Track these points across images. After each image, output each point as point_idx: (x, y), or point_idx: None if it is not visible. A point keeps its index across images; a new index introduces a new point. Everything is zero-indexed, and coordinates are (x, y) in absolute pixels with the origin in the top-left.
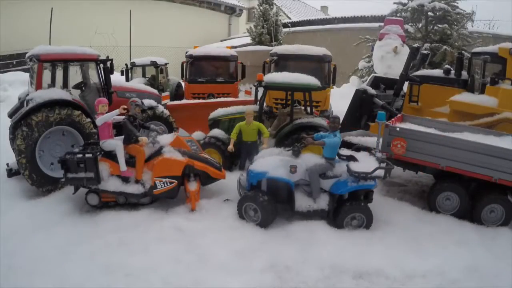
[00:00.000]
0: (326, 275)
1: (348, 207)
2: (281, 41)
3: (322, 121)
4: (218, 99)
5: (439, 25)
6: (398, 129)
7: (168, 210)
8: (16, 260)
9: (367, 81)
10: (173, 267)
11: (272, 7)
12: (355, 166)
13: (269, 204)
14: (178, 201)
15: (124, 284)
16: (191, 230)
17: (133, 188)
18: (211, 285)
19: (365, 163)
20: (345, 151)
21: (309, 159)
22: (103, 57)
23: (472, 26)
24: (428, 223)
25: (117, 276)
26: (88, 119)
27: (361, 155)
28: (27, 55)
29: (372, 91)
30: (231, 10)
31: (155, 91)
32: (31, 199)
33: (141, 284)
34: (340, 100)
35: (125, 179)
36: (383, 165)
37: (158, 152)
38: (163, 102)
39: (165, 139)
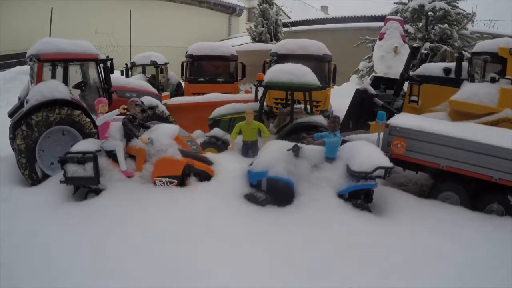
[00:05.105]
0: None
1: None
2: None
3: (323, 121)
4: (218, 95)
5: (440, 25)
6: (398, 128)
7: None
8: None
9: (369, 78)
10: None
11: (272, 6)
12: (355, 164)
13: (269, 204)
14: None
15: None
16: (192, 213)
17: None
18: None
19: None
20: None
21: (310, 158)
22: (103, 56)
23: (472, 26)
24: (430, 210)
25: (112, 261)
26: (88, 119)
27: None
28: (27, 55)
29: (372, 91)
30: (231, 10)
31: (155, 90)
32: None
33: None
34: (340, 99)
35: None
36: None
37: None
38: (163, 102)
39: (166, 130)
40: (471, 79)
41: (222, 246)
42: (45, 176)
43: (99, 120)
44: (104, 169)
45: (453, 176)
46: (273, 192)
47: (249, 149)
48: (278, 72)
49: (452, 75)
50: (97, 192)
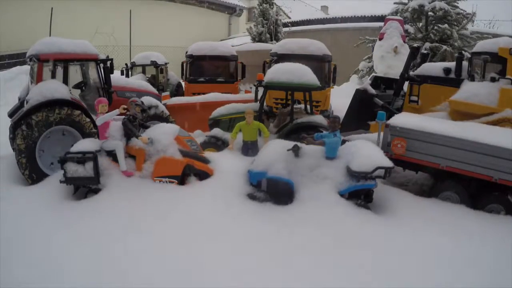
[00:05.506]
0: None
1: None
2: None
3: (323, 121)
4: (218, 95)
5: (440, 25)
6: (398, 128)
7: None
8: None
9: (369, 78)
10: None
11: (272, 6)
12: (355, 164)
13: (269, 203)
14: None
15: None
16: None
17: None
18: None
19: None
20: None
21: (310, 158)
22: (103, 56)
23: (472, 26)
24: (431, 209)
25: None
26: (88, 119)
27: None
28: (27, 55)
29: (372, 91)
30: (231, 10)
31: (155, 90)
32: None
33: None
34: (340, 99)
35: None
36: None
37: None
38: (163, 102)
39: (166, 130)
40: (471, 79)
41: (222, 246)
42: (45, 176)
43: (99, 120)
44: (104, 169)
45: (453, 176)
46: (273, 192)
47: (249, 149)
48: (278, 72)
49: (452, 75)
50: (97, 192)
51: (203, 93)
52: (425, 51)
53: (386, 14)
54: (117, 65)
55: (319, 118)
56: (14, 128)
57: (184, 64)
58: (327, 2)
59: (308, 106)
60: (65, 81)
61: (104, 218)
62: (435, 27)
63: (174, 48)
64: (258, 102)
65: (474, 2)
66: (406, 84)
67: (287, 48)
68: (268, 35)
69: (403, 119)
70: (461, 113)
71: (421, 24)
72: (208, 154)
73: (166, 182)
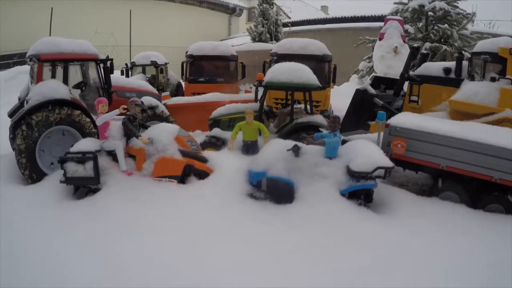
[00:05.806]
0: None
1: None
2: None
3: (323, 121)
4: (218, 95)
5: (440, 25)
6: (398, 128)
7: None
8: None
9: (369, 78)
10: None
11: (272, 6)
12: (355, 164)
13: (269, 203)
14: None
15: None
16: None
17: None
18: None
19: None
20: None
21: (310, 158)
22: (103, 56)
23: (472, 26)
24: (431, 209)
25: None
26: (88, 119)
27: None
28: (27, 55)
29: (372, 91)
30: (231, 10)
31: (155, 90)
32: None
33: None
34: (340, 99)
35: None
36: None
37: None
38: (163, 101)
39: (166, 130)
40: (471, 79)
41: (222, 246)
42: (45, 176)
43: (99, 120)
44: (104, 168)
45: (453, 176)
46: (273, 192)
47: (249, 149)
48: (278, 72)
49: (452, 75)
50: (97, 192)
51: (203, 93)
52: (425, 51)
53: (386, 14)
54: (117, 65)
55: (319, 118)
56: (14, 128)
57: (184, 64)
58: (327, 2)
59: (308, 106)
60: (65, 81)
61: (104, 218)
62: (435, 27)
63: (174, 48)
64: (258, 102)
65: (474, 2)
66: (406, 84)
67: (287, 48)
68: (268, 35)
69: (403, 119)
70: (461, 113)
71: (421, 24)
72: (208, 153)
73: (166, 181)
